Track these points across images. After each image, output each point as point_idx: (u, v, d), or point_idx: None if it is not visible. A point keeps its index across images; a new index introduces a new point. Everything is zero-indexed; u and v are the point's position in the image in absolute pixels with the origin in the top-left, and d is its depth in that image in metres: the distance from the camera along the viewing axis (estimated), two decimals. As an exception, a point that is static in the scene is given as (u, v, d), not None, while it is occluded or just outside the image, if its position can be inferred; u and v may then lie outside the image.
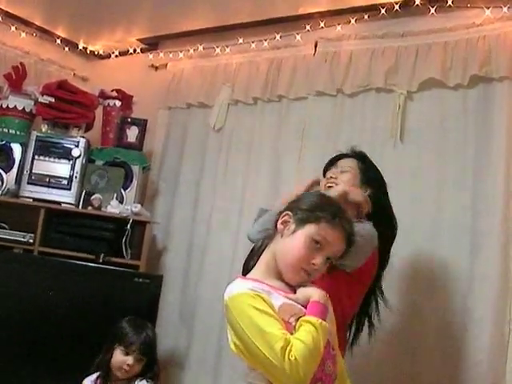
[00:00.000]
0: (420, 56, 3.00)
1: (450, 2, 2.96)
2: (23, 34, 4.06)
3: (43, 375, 3.05)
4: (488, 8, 2.86)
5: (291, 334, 1.54)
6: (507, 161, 2.70)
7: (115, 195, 3.60)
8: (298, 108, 3.43)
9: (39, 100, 3.65)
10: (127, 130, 3.82)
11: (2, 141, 3.62)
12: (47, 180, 3.56)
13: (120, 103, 3.90)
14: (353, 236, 1.73)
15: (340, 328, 1.92)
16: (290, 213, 1.73)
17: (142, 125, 3.84)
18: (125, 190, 3.67)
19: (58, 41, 4.22)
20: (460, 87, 2.89)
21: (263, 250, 1.77)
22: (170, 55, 4.04)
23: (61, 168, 3.59)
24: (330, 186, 2.40)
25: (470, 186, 2.79)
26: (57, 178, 3.57)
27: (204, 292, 3.54)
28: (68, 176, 3.58)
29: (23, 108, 3.69)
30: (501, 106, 2.76)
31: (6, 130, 3.65)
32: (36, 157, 3.58)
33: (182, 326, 3.64)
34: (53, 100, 3.65)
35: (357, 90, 3.19)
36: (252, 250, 1.83)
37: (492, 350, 2.59)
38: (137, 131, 3.82)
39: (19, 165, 3.60)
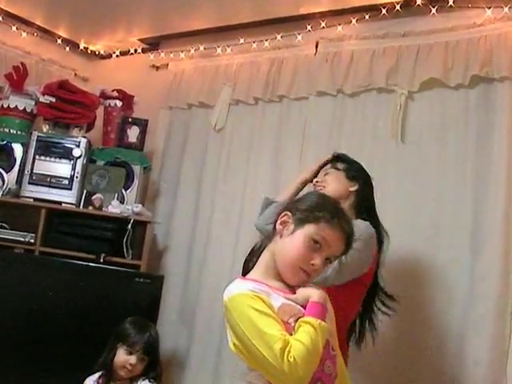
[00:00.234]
0: (421, 56, 3.00)
1: (450, 2, 2.96)
2: (24, 34, 4.06)
3: (44, 375, 3.04)
4: (489, 8, 2.85)
5: (290, 334, 1.54)
6: (508, 161, 2.70)
7: (116, 195, 3.60)
8: (298, 108, 3.43)
9: (40, 100, 3.65)
10: (128, 130, 3.82)
11: (3, 141, 3.62)
12: (48, 180, 3.56)
13: (121, 103, 3.90)
14: (352, 236, 1.72)
15: (341, 330, 1.92)
16: (289, 213, 1.73)
17: (143, 125, 3.84)
18: (126, 190, 3.67)
19: (59, 41, 4.22)
20: (461, 87, 2.89)
21: (262, 251, 1.77)
22: (171, 55, 4.04)
23: (62, 168, 3.59)
24: (318, 189, 2.48)
25: (470, 186, 2.79)
26: (58, 178, 3.57)
27: (205, 292, 3.53)
28: (69, 176, 3.58)
29: (24, 108, 3.70)
30: (502, 106, 2.76)
31: (7, 130, 3.66)
32: (37, 157, 3.58)
33: (182, 326, 3.64)
34: (54, 100, 3.65)
35: (358, 90, 3.19)
36: (251, 251, 1.83)
37: (493, 350, 2.59)
38: (138, 131, 3.82)
39: (20, 165, 3.61)
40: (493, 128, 2.77)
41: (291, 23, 3.50)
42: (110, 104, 3.91)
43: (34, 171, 3.57)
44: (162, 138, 4.03)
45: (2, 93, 3.68)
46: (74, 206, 3.57)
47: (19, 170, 3.60)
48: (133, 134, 3.82)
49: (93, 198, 3.55)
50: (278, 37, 3.53)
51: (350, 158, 2.60)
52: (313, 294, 1.65)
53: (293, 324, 1.58)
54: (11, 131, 3.66)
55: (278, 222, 1.73)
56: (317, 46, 3.39)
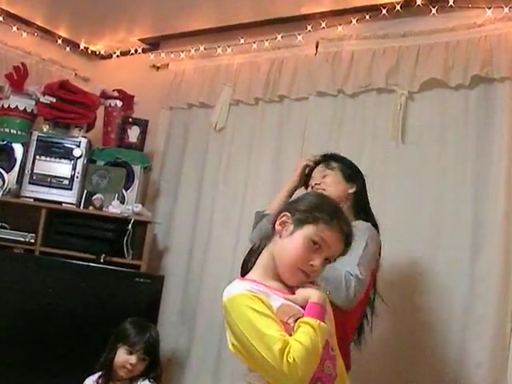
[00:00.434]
0: (421, 56, 3.00)
1: (451, 2, 2.96)
2: (24, 34, 4.06)
3: (44, 375, 3.05)
4: (489, 8, 2.85)
5: (290, 335, 1.54)
6: (508, 161, 2.70)
7: (116, 195, 3.60)
8: (299, 108, 3.43)
9: (40, 100, 3.66)
10: (128, 130, 3.82)
11: (4, 141, 3.62)
12: (48, 180, 3.57)
13: (121, 103, 3.90)
14: (351, 237, 1.72)
15: (344, 340, 1.89)
16: (288, 213, 1.73)
17: (144, 125, 3.84)
18: (126, 190, 3.67)
19: (60, 41, 4.22)
20: (461, 87, 2.89)
21: (261, 251, 1.77)
22: (172, 55, 4.04)
23: (62, 168, 3.59)
24: None
25: (471, 186, 2.79)
26: (58, 178, 3.58)
27: (205, 292, 3.54)
28: (69, 176, 3.58)
29: (24, 108, 3.70)
30: (502, 106, 2.76)
31: (8, 130, 3.66)
32: (37, 157, 3.59)
33: (182, 326, 3.64)
34: (54, 100, 3.65)
35: (358, 90, 3.19)
36: (250, 251, 1.83)
37: (493, 350, 2.59)
38: (138, 131, 3.82)
39: (20, 165, 3.61)
40: (493, 128, 2.77)
41: (291, 23, 3.50)
42: (110, 104, 3.91)
43: (35, 171, 3.57)
44: (163, 138, 4.03)
45: (3, 93, 3.68)
46: (74, 206, 3.57)
47: (19, 170, 3.60)
48: (133, 134, 3.82)
49: (93, 198, 3.55)
50: (279, 37, 3.53)
51: (341, 156, 2.58)
52: (312, 294, 1.65)
53: (292, 324, 1.58)
54: (11, 131, 3.67)
55: (277, 222, 1.73)
56: (317, 46, 3.39)
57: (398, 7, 3.10)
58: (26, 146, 3.62)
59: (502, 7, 2.82)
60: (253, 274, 1.73)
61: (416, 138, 3.00)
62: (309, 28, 3.42)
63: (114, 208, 3.51)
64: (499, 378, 2.56)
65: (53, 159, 3.60)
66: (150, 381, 2.75)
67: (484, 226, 2.72)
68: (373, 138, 3.12)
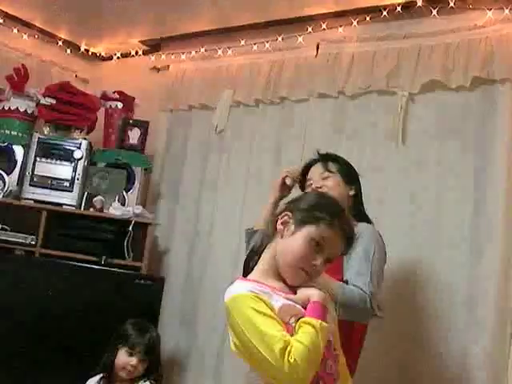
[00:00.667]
0: (422, 58, 3.00)
1: (451, 4, 2.96)
2: (25, 36, 4.06)
3: (46, 377, 3.05)
4: (490, 10, 2.85)
5: (291, 335, 1.55)
6: (509, 162, 2.70)
7: (117, 197, 3.60)
8: (299, 110, 3.43)
9: (41, 102, 3.66)
10: (129, 132, 3.82)
11: (4, 142, 3.62)
12: (49, 182, 3.57)
13: (122, 105, 3.90)
14: (353, 236, 1.73)
15: (348, 352, 1.89)
16: (289, 213, 1.73)
17: (144, 127, 3.84)
18: (127, 192, 3.67)
19: (60, 43, 4.23)
20: (462, 89, 2.89)
21: (263, 250, 1.77)
22: (172, 57, 4.05)
23: (63, 170, 3.59)
24: None
25: (471, 188, 2.79)
26: (59, 180, 3.58)
27: (205, 294, 3.54)
28: (70, 178, 3.58)
29: (25, 110, 3.69)
30: (502, 107, 2.76)
31: (8, 132, 3.65)
32: (38, 159, 3.58)
33: (183, 328, 3.64)
34: (54, 102, 3.65)
35: (358, 91, 3.19)
36: (251, 250, 1.83)
37: (493, 351, 2.59)
38: (139, 133, 3.82)
39: (21, 167, 3.61)
40: (493, 129, 2.77)
41: (292, 25, 3.50)
42: (110, 106, 3.91)
43: (35, 173, 3.57)
44: (163, 139, 4.03)
45: (3, 95, 3.68)
46: (74, 208, 3.56)
47: (20, 172, 3.60)
48: (134, 135, 3.82)
49: (94, 199, 3.54)
50: (279, 38, 3.54)
51: (338, 156, 2.55)
52: (313, 294, 1.66)
53: (293, 324, 1.59)
54: (12, 133, 3.66)
55: (279, 222, 1.73)
56: (318, 48, 3.39)
57: (398, 9, 3.10)
58: (26, 147, 3.62)
59: (503, 8, 2.82)
60: (254, 273, 1.73)
61: (416, 140, 3.01)
62: (309, 29, 3.42)
63: (115, 210, 3.51)
64: (499, 379, 2.56)
65: (53, 161, 3.60)
66: (150, 382, 2.75)
67: (484, 227, 2.72)
68: (373, 139, 3.12)
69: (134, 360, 2.73)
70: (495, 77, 2.78)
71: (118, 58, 4.40)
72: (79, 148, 3.61)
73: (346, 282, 2.22)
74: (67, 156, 3.61)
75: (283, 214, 1.74)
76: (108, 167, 3.71)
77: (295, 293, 1.68)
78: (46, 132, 3.68)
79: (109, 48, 4.37)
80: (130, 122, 3.86)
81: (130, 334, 2.79)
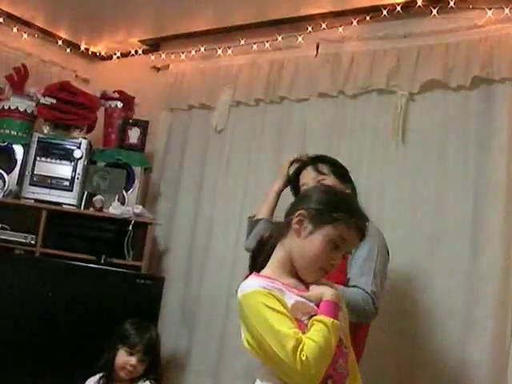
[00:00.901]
0: (422, 57, 3.00)
1: (451, 4, 2.95)
2: (25, 36, 4.06)
3: (46, 376, 3.05)
4: (490, 9, 2.85)
5: (303, 332, 1.56)
6: (509, 162, 2.70)
7: (117, 196, 3.60)
8: (299, 109, 3.43)
9: (41, 101, 3.66)
10: (129, 132, 3.82)
11: (4, 142, 3.62)
12: (49, 181, 3.57)
13: (122, 104, 3.90)
14: (366, 231, 1.74)
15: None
16: (304, 212, 1.72)
17: (144, 126, 3.84)
18: (126, 192, 3.67)
19: (60, 42, 4.22)
20: (462, 88, 2.89)
21: (273, 246, 1.77)
22: (172, 56, 4.04)
23: (62, 169, 3.60)
24: None
25: (471, 187, 2.79)
26: (58, 180, 3.58)
27: (205, 293, 3.54)
28: (70, 177, 3.58)
29: (25, 109, 3.69)
30: (502, 107, 2.76)
31: (8, 132, 3.66)
32: (38, 158, 3.59)
33: (183, 327, 3.64)
34: (54, 101, 3.65)
35: (358, 91, 3.19)
36: (259, 243, 1.83)
37: (493, 351, 2.59)
38: (138, 132, 3.82)
39: (21, 166, 3.61)
40: (493, 129, 2.77)
41: (292, 24, 3.49)
42: (110, 105, 3.91)
43: (35, 172, 3.57)
44: (163, 139, 4.03)
45: (3, 94, 3.68)
46: (74, 208, 3.57)
47: (20, 172, 3.60)
48: (133, 135, 3.82)
49: (94, 199, 3.55)
50: (279, 38, 3.53)
51: (327, 156, 2.54)
52: (326, 292, 1.67)
53: (306, 322, 1.60)
54: (12, 132, 3.66)
55: (294, 221, 1.72)
56: (317, 48, 3.39)
57: (398, 8, 3.10)
58: (26, 147, 3.63)
59: (503, 8, 2.81)
60: (267, 269, 1.73)
61: (416, 139, 3.00)
62: (309, 29, 3.42)
63: (115, 209, 3.51)
64: (500, 379, 2.56)
65: (53, 160, 3.60)
66: (150, 382, 2.75)
67: (484, 226, 2.72)
68: (373, 138, 3.12)
69: (133, 360, 2.73)
70: (495, 76, 2.77)
71: (118, 57, 4.39)
72: (79, 147, 3.61)
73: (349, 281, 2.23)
74: (67, 155, 3.61)
75: (297, 214, 1.73)
76: (108, 167, 3.71)
77: (308, 288, 1.69)
78: (45, 131, 3.68)
79: (109, 47, 4.37)
80: (130, 121, 3.86)
81: (129, 334, 2.79)
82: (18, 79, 3.70)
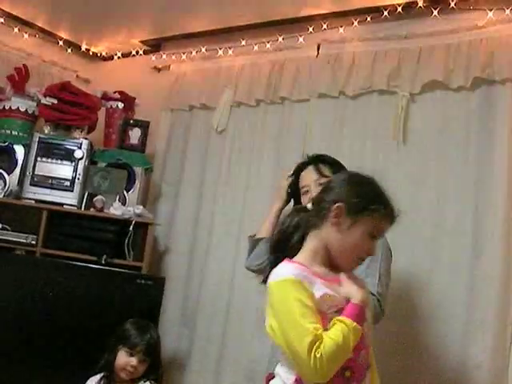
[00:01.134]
0: (422, 58, 3.00)
1: (452, 4, 2.96)
2: (26, 36, 4.06)
3: (46, 377, 3.05)
4: (490, 10, 2.85)
5: (326, 327, 1.60)
6: (509, 162, 2.70)
7: (118, 197, 3.60)
8: (300, 110, 3.43)
9: (42, 101, 3.66)
10: (130, 132, 3.82)
11: (5, 142, 3.62)
12: (50, 181, 3.57)
13: (122, 105, 3.90)
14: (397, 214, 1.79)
15: None
16: (342, 205, 1.74)
17: (145, 126, 3.84)
18: (127, 192, 3.67)
19: (61, 42, 4.23)
20: (462, 89, 2.89)
21: (301, 236, 1.80)
22: (173, 57, 4.04)
23: (63, 169, 3.59)
24: None
25: (472, 188, 2.79)
26: (59, 180, 3.58)
27: (206, 293, 3.54)
28: (70, 177, 3.58)
29: (26, 109, 3.70)
30: (503, 108, 2.76)
31: (9, 132, 3.66)
32: (38, 158, 3.58)
33: (183, 328, 3.64)
34: (55, 101, 3.65)
35: (359, 92, 3.19)
36: (283, 232, 1.84)
37: (494, 351, 2.59)
38: (139, 133, 3.82)
39: (22, 166, 3.61)
40: (494, 130, 2.77)
41: (293, 25, 3.50)
42: (111, 106, 3.91)
43: (36, 173, 3.57)
44: (164, 139, 4.03)
45: (4, 94, 3.68)
46: (75, 208, 3.57)
47: (21, 172, 3.60)
48: (134, 135, 3.82)
49: (94, 199, 3.55)
50: (280, 39, 3.53)
51: (328, 156, 2.53)
52: (355, 294, 1.68)
53: (331, 315, 1.64)
54: (13, 133, 3.66)
55: (332, 214, 1.75)
56: (318, 48, 3.39)
57: (399, 9, 3.10)
58: (27, 147, 3.62)
59: (504, 9, 2.81)
60: (300, 256, 1.76)
61: (417, 140, 3.00)
62: (310, 30, 3.42)
63: (115, 209, 3.51)
64: (500, 380, 2.56)
65: (54, 161, 3.60)
66: (151, 382, 2.75)
67: (484, 227, 2.72)
68: (374, 139, 3.12)
69: (134, 360, 2.72)
70: (496, 77, 2.77)
71: (119, 57, 4.40)
72: (80, 148, 3.61)
73: None
74: (68, 156, 3.60)
75: (335, 207, 1.75)
76: (109, 167, 3.71)
77: (339, 277, 1.73)
78: (46, 132, 3.67)
79: (109, 48, 4.37)
80: (131, 121, 3.86)
81: (130, 335, 2.79)
82: (19, 79, 3.71)
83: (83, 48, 4.36)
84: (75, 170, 3.59)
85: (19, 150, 3.63)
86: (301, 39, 3.45)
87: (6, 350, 3.07)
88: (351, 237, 1.73)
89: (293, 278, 1.65)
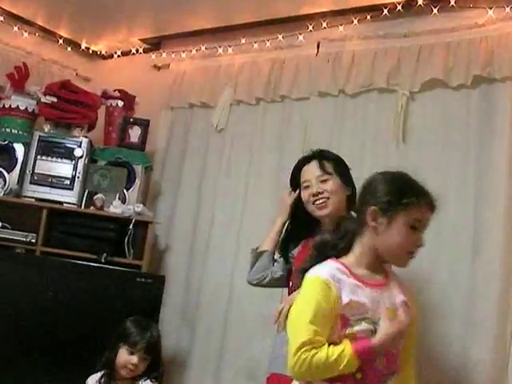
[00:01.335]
0: (422, 56, 3.00)
1: (452, 3, 2.95)
2: (26, 34, 4.05)
3: (46, 375, 3.05)
4: (490, 8, 2.85)
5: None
6: (509, 161, 2.70)
7: (117, 195, 3.60)
8: (300, 108, 3.43)
9: (42, 100, 3.66)
10: (130, 130, 3.82)
11: (5, 141, 3.62)
12: (49, 180, 3.57)
13: (122, 103, 3.90)
14: (435, 201, 1.85)
15: None
16: (375, 208, 1.79)
17: (145, 125, 3.84)
18: (127, 190, 3.67)
19: (61, 41, 4.22)
20: (462, 87, 2.88)
21: (348, 243, 1.86)
22: (173, 55, 4.04)
23: (63, 168, 3.59)
24: (323, 202, 2.38)
25: (472, 187, 2.79)
26: (59, 178, 3.58)
27: (206, 292, 3.54)
28: (70, 176, 3.58)
29: (26, 108, 3.70)
30: (503, 106, 2.76)
31: (9, 130, 3.66)
32: (38, 157, 3.58)
33: (184, 326, 3.64)
34: (55, 100, 3.65)
35: (359, 90, 3.19)
36: (327, 240, 1.91)
37: (494, 351, 2.59)
38: (139, 131, 3.82)
39: (22, 165, 3.61)
40: (494, 128, 2.77)
41: (292, 23, 3.49)
42: (111, 104, 3.91)
43: (36, 171, 3.57)
44: (164, 138, 4.03)
45: (4, 93, 3.68)
46: (75, 206, 3.57)
47: (21, 170, 3.60)
48: (134, 133, 3.82)
49: (94, 197, 3.55)
50: (280, 37, 3.53)
51: (331, 153, 2.53)
52: (381, 331, 1.72)
53: (353, 322, 1.70)
54: (13, 131, 3.66)
55: (369, 219, 1.80)
56: (318, 47, 3.39)
57: (399, 7, 3.10)
58: (27, 145, 3.62)
59: (504, 7, 2.81)
60: (346, 259, 1.84)
61: (417, 138, 3.00)
62: (310, 28, 3.41)
63: (115, 208, 3.51)
64: (500, 378, 2.56)
65: (54, 159, 3.60)
66: (151, 381, 2.75)
67: (485, 226, 2.72)
68: (374, 138, 3.12)
69: (134, 359, 2.72)
70: (496, 75, 2.77)
71: (119, 56, 4.39)
72: (80, 146, 3.61)
73: None
74: (68, 154, 3.61)
75: (370, 210, 1.80)
76: (108, 165, 3.71)
77: (379, 282, 1.81)
78: (46, 130, 3.67)
79: (109, 46, 4.37)
80: (131, 120, 3.86)
81: (130, 333, 2.79)
82: (19, 78, 3.71)
83: (83, 46, 4.35)
84: (75, 169, 3.59)
85: (19, 149, 3.63)
86: (301, 37, 3.45)
87: (5, 348, 3.07)
88: (392, 235, 1.77)
89: (320, 278, 1.73)
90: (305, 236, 2.49)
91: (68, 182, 3.58)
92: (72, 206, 3.56)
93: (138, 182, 3.72)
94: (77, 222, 3.53)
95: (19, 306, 3.14)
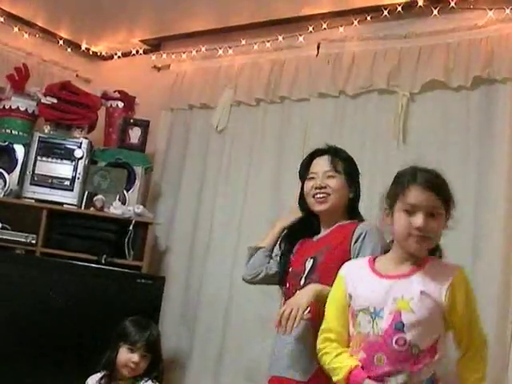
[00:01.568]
0: (422, 57, 3.00)
1: (452, 4, 2.96)
2: (26, 35, 4.06)
3: (46, 376, 3.05)
4: (490, 9, 2.85)
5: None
6: (510, 162, 2.70)
7: (118, 196, 3.60)
8: (300, 109, 3.43)
9: (42, 101, 3.66)
10: (130, 131, 3.82)
11: (5, 142, 3.62)
12: (50, 181, 3.57)
13: (122, 104, 3.91)
14: (435, 179, 1.90)
15: None
16: (384, 206, 1.96)
17: (145, 126, 3.84)
18: (127, 191, 3.67)
19: (61, 42, 4.22)
20: (462, 89, 2.89)
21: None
22: (173, 56, 4.04)
23: (63, 169, 3.59)
24: (323, 197, 2.37)
25: (472, 187, 2.79)
26: (59, 179, 3.58)
27: (206, 293, 3.54)
28: (70, 177, 3.58)
29: (26, 109, 3.70)
30: (503, 107, 2.76)
31: (9, 131, 3.66)
32: (38, 158, 3.58)
33: (183, 327, 3.64)
34: (55, 101, 3.66)
35: (359, 91, 3.19)
36: None
37: (494, 350, 2.58)
38: (139, 132, 3.82)
39: (22, 166, 3.60)
40: (494, 129, 2.77)
41: (293, 24, 3.50)
42: (111, 105, 3.91)
43: (36, 172, 3.57)
44: (164, 139, 4.03)
45: (4, 94, 3.68)
46: (75, 207, 3.57)
47: (21, 171, 3.60)
48: (134, 135, 3.82)
49: (94, 198, 3.54)
50: (280, 38, 3.53)
51: (346, 153, 2.48)
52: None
53: (357, 312, 1.89)
54: (13, 132, 3.66)
55: (382, 217, 1.99)
56: (318, 48, 3.39)
57: (399, 8, 3.10)
58: (27, 146, 3.62)
59: (504, 8, 2.82)
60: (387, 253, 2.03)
61: (417, 139, 3.00)
62: (310, 29, 3.42)
63: (115, 209, 3.51)
64: (500, 378, 2.56)
65: (54, 160, 3.60)
66: (152, 381, 2.75)
67: (485, 227, 2.72)
68: (374, 138, 3.12)
69: (135, 357, 2.72)
70: (496, 76, 2.78)
71: (119, 57, 4.39)
72: (80, 147, 3.61)
73: None
74: (68, 155, 3.61)
75: (383, 208, 1.98)
76: (108, 166, 3.71)
77: (418, 266, 1.89)
78: (46, 131, 3.68)
79: (109, 47, 4.37)
80: (131, 121, 3.86)
81: (130, 331, 2.79)
82: (19, 79, 3.71)
83: (83, 47, 4.36)
84: (75, 170, 3.59)
85: (19, 150, 3.63)
86: (301, 39, 3.45)
87: (5, 349, 3.07)
88: (395, 224, 1.90)
89: (340, 275, 2.02)
90: (302, 236, 2.48)
91: (68, 182, 3.58)
92: (72, 207, 3.56)
93: (138, 183, 3.72)
94: (77, 223, 3.53)
95: (19, 307, 3.14)
